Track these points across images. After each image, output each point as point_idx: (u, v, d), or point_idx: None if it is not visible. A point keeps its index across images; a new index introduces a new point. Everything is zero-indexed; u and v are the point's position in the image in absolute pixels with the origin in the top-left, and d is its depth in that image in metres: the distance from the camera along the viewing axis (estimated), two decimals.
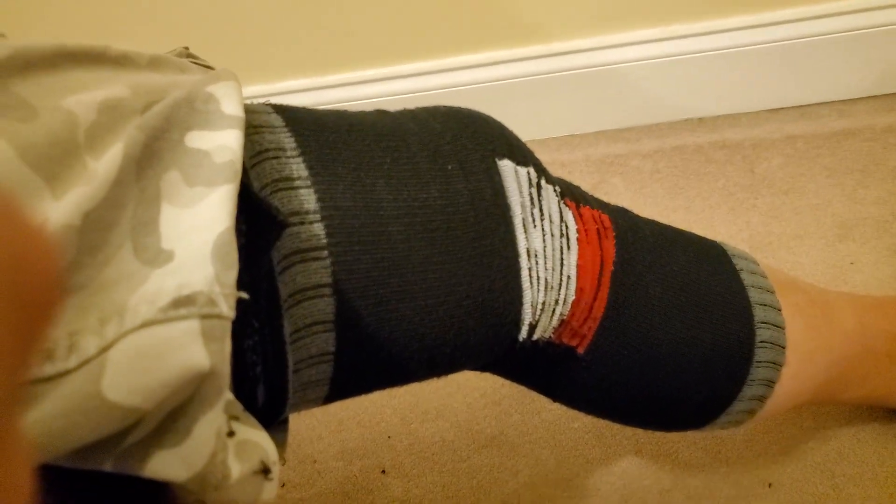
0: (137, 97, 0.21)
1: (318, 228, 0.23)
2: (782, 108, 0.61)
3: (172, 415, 0.18)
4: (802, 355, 0.34)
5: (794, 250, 0.52)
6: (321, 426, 0.48)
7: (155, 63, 0.24)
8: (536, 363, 0.30)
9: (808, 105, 0.61)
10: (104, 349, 0.17)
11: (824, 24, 0.57)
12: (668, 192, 0.57)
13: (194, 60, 0.27)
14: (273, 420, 0.25)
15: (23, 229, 0.10)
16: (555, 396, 0.33)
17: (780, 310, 0.33)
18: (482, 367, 0.31)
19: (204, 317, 0.18)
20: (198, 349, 0.18)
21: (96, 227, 0.19)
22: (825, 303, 0.37)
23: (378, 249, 0.24)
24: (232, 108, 0.22)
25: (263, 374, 0.23)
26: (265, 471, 0.20)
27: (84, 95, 0.20)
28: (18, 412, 0.10)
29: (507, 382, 0.34)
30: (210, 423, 0.18)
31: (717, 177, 0.58)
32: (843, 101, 0.61)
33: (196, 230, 0.19)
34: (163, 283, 0.18)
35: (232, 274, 0.19)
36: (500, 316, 0.27)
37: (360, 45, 0.59)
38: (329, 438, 0.47)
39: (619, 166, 0.60)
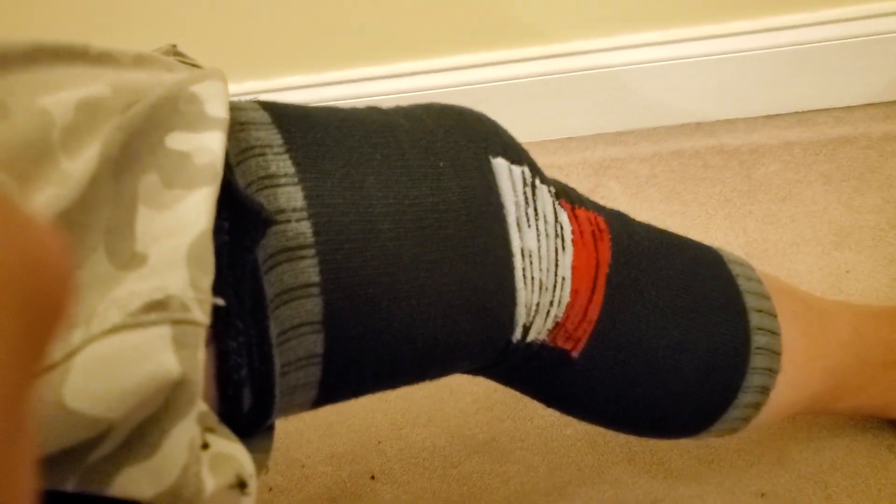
0: (118, 96, 0.21)
1: (305, 226, 0.23)
2: (780, 115, 0.61)
3: (142, 427, 0.17)
4: (798, 362, 0.34)
5: (791, 257, 0.52)
6: (310, 430, 0.47)
7: (140, 61, 0.24)
8: (530, 367, 0.30)
9: (806, 111, 0.61)
10: (70, 355, 0.16)
11: (823, 31, 0.57)
12: (664, 196, 0.57)
13: (181, 59, 0.26)
14: (260, 425, 0.24)
15: (35, 231, 0.10)
16: (548, 401, 0.33)
17: (775, 316, 0.33)
18: (475, 371, 0.30)
19: (176, 322, 0.17)
20: (168, 356, 0.17)
21: (68, 230, 0.18)
22: (821, 311, 0.37)
23: (367, 248, 0.24)
24: (216, 108, 0.22)
25: (249, 376, 0.22)
26: (241, 485, 0.19)
27: (61, 94, 0.20)
28: (29, 411, 0.10)
29: (500, 387, 0.34)
30: (182, 435, 0.18)
31: (714, 182, 0.57)
32: (841, 109, 0.61)
33: (171, 233, 0.19)
34: (135, 288, 0.17)
35: (207, 278, 0.18)
36: (493, 316, 0.26)
37: (357, 42, 0.58)
38: (318, 442, 0.47)
39: (616, 170, 0.60)
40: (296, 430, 0.47)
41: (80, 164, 0.19)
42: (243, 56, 0.59)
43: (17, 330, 0.09)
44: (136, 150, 0.20)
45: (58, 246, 0.10)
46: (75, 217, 0.18)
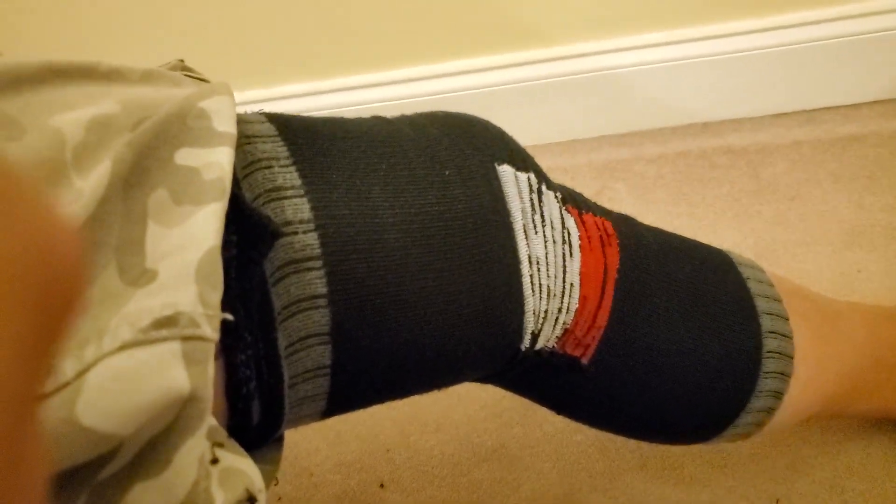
0: (128, 113, 0.21)
1: (312, 238, 0.23)
2: (787, 113, 0.61)
3: (152, 443, 0.18)
4: (811, 366, 0.33)
5: (801, 258, 0.52)
6: (319, 438, 0.47)
7: (148, 77, 0.24)
8: (539, 374, 0.30)
9: (814, 110, 0.60)
10: (82, 372, 0.16)
11: (830, 29, 0.57)
12: (671, 198, 0.57)
13: (189, 73, 0.27)
14: (269, 437, 0.24)
15: (49, 222, 0.09)
16: (558, 409, 0.33)
17: (787, 319, 0.32)
18: (484, 379, 0.30)
19: (186, 338, 0.17)
20: (178, 372, 0.17)
21: (81, 231, 0.18)
22: (834, 312, 0.36)
23: (374, 258, 0.24)
24: (224, 124, 0.22)
25: (258, 389, 0.22)
26: (251, 499, 0.19)
27: (73, 113, 0.20)
28: (39, 410, 0.10)
29: (509, 394, 0.33)
30: (192, 451, 0.18)
31: (721, 182, 0.57)
32: (849, 106, 0.60)
33: (181, 249, 0.19)
34: (145, 304, 0.18)
35: (216, 294, 0.18)
36: (501, 324, 0.26)
37: (360, 48, 0.59)
38: (327, 451, 0.46)
39: (622, 172, 0.59)
40: (304, 438, 0.47)
41: (91, 182, 0.19)
42: (245, 64, 0.59)
43: (30, 322, 0.09)
44: (145, 167, 0.20)
45: (73, 238, 0.10)
46: (87, 234, 0.18)
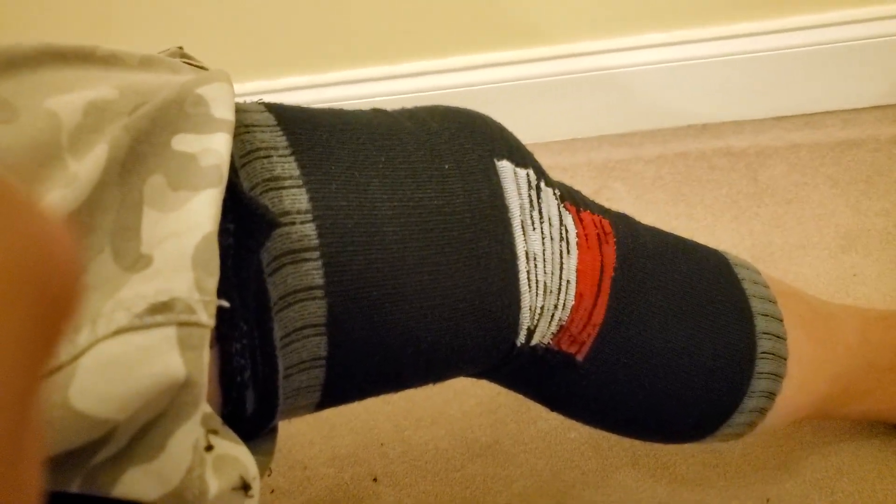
0: (125, 98, 0.21)
1: (310, 228, 0.23)
2: (787, 116, 0.61)
3: (146, 428, 0.18)
4: (804, 367, 0.33)
5: (797, 261, 0.52)
6: (312, 431, 0.47)
7: (146, 63, 0.24)
8: (534, 371, 0.30)
9: (813, 114, 0.60)
10: (76, 357, 0.16)
11: (831, 33, 0.57)
12: (670, 198, 0.57)
13: (187, 61, 0.26)
14: (263, 427, 0.24)
15: (43, 223, 0.10)
16: (552, 405, 0.33)
17: (781, 320, 0.32)
18: (479, 374, 0.30)
19: (181, 324, 0.17)
20: (173, 358, 0.17)
21: (75, 231, 0.18)
22: (828, 315, 0.37)
23: (372, 250, 0.24)
24: (222, 110, 0.22)
25: (252, 379, 0.22)
26: (245, 487, 0.19)
27: (69, 96, 0.20)
28: (37, 407, 0.10)
29: (504, 390, 0.34)
30: (186, 437, 0.18)
31: (720, 184, 0.57)
32: (848, 111, 0.60)
33: (177, 235, 0.19)
34: (140, 289, 0.18)
35: (212, 281, 0.18)
36: (497, 319, 0.26)
37: (362, 42, 0.58)
38: (320, 444, 0.47)
39: (621, 171, 0.59)
40: (298, 431, 0.47)
41: (87, 166, 0.19)
42: (248, 56, 0.59)
43: (29, 323, 0.09)
44: (142, 152, 0.20)
45: (68, 239, 0.10)
46: (82, 218, 0.18)
